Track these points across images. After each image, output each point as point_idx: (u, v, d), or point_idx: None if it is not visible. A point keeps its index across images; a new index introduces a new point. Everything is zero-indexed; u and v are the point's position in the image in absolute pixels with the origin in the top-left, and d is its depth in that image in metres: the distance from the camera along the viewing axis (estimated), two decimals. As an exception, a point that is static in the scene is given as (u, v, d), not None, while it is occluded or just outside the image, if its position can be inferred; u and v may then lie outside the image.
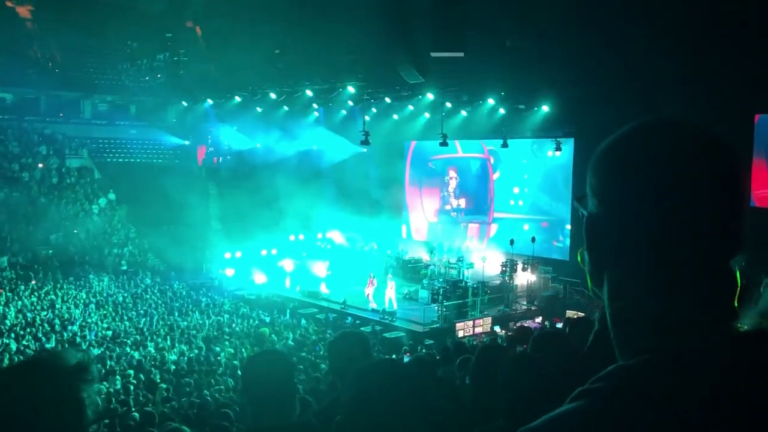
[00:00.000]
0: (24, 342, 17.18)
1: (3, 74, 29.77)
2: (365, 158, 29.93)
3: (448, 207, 31.28)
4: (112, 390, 12.13)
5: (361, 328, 17.86)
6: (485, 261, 23.31)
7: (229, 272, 26.59)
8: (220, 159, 35.17)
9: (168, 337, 18.12)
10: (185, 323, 19.86)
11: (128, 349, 16.76)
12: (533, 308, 22.27)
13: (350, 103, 26.44)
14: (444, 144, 24.65)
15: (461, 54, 14.32)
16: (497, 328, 19.90)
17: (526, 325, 18.22)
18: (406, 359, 12.24)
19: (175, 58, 24.41)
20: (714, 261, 0.91)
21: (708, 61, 15.69)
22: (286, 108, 28.54)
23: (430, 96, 23.82)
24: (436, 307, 20.52)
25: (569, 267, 23.04)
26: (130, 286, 24.81)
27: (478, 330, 19.82)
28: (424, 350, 15.54)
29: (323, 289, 23.83)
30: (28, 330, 18.33)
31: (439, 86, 22.69)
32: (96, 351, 16.07)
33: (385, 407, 1.87)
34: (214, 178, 34.36)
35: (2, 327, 18.35)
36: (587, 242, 1.00)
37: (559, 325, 14.05)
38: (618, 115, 16.88)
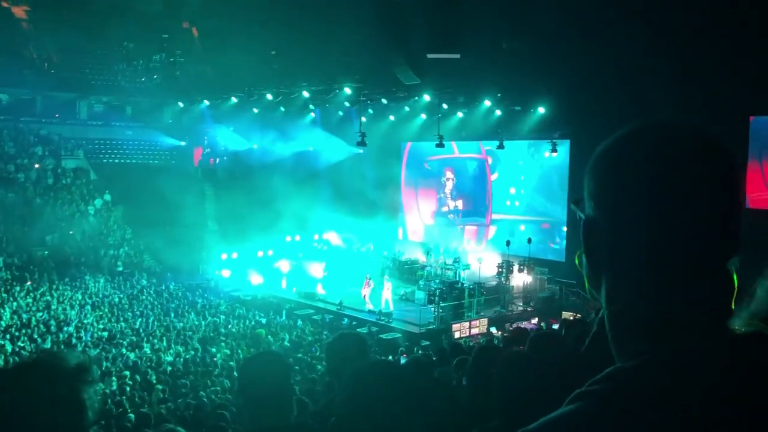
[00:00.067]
0: (20, 343, 17.14)
1: (-1, 75, 29.73)
2: (362, 159, 29.93)
3: (445, 209, 30.97)
4: (108, 391, 12.11)
5: (358, 329, 17.85)
6: (481, 262, 23.33)
7: (226, 273, 26.56)
8: (217, 160, 35.13)
9: (164, 338, 18.10)
10: (181, 324, 19.83)
11: (124, 350, 16.74)
12: (529, 309, 22.29)
13: (347, 104, 26.44)
14: (440, 145, 24.68)
15: (457, 55, 14.34)
16: (493, 329, 19.91)
17: (522, 326, 18.26)
18: (402, 360, 12.25)
19: (172, 59, 24.40)
20: (710, 263, 0.91)
21: (703, 63, 15.75)
22: (282, 109, 28.53)
23: (426, 97, 23.83)
24: (432, 308, 20.53)
25: (565, 268, 23.08)
26: (126, 287, 24.76)
27: (475, 331, 19.84)
28: (420, 351, 15.56)
29: (319, 290, 23.82)
30: (24, 331, 18.29)
31: (435, 87, 22.71)
32: (92, 352, 16.04)
33: (379, 408, 1.87)
34: (211, 179, 34.33)
35: (-3, 328, 18.31)
36: (585, 245, 1.00)
37: (555, 327, 14.09)
38: (614, 117, 16.96)
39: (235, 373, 13.06)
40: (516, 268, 22.98)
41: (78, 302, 21.89)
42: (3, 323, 18.89)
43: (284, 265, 25.90)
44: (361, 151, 26.93)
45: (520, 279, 23.20)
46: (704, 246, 0.90)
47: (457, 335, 19.05)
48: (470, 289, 21.42)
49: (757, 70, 16.14)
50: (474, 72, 19.34)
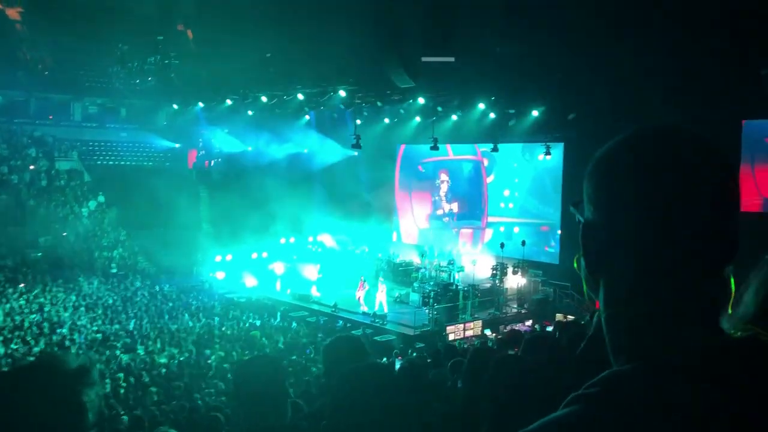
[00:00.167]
0: (12, 345, 17.07)
1: (-8, 76, 29.60)
2: (356, 162, 29.91)
3: (440, 212, 30.67)
4: (101, 393, 12.06)
5: (352, 332, 17.85)
6: (476, 264, 23.36)
7: (220, 275, 26.52)
8: (212, 162, 35.05)
9: (158, 340, 18.06)
10: (175, 326, 19.79)
11: (118, 352, 16.69)
12: (523, 311, 22.34)
13: (341, 106, 26.44)
14: (435, 148, 24.70)
15: (452, 59, 14.39)
16: (488, 332, 19.94)
17: (515, 328, 18.31)
18: (397, 363, 12.26)
19: (166, 61, 24.31)
20: (708, 268, 0.93)
21: (696, 67, 15.82)
22: (277, 111, 28.51)
23: (421, 100, 23.86)
24: (426, 311, 20.54)
25: (559, 270, 23.15)
26: (119, 289, 24.68)
27: (469, 333, 19.86)
28: (414, 353, 15.57)
29: (314, 292, 23.80)
30: (17, 333, 18.21)
31: (429, 90, 22.74)
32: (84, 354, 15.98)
33: (369, 410, 1.87)
34: (205, 181, 34.26)
35: (-10, 330, 18.22)
36: (583, 248, 1.01)
37: (550, 329, 14.11)
38: (607, 121, 17.04)
39: (230, 376, 13.04)
40: (510, 270, 23.02)
41: (71, 304, 21.81)
42: (-4, 325, 18.82)
43: (279, 267, 25.88)
44: (356, 153, 26.94)
45: (514, 281, 23.24)
46: (702, 251, 0.91)
47: (451, 337, 19.06)
48: (464, 291, 21.46)
49: (749, 73, 16.24)
50: (468, 75, 19.37)
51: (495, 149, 25.37)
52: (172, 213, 27.81)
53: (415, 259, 26.74)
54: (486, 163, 28.84)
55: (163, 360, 15.98)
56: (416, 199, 31.56)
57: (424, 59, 14.76)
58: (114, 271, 26.87)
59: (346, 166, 30.48)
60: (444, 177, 30.43)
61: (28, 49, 32.80)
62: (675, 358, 0.88)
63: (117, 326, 19.71)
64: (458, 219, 29.97)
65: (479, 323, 20.49)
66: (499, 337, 17.04)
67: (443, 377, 5.71)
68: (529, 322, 20.83)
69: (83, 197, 30.67)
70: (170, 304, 22.75)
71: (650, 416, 0.84)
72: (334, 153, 30.92)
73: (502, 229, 27.69)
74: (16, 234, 26.49)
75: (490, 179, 28.87)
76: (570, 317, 17.13)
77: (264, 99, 26.28)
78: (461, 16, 14.13)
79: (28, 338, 17.78)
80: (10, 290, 22.64)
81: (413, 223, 31.53)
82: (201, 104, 30.63)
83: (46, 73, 32.80)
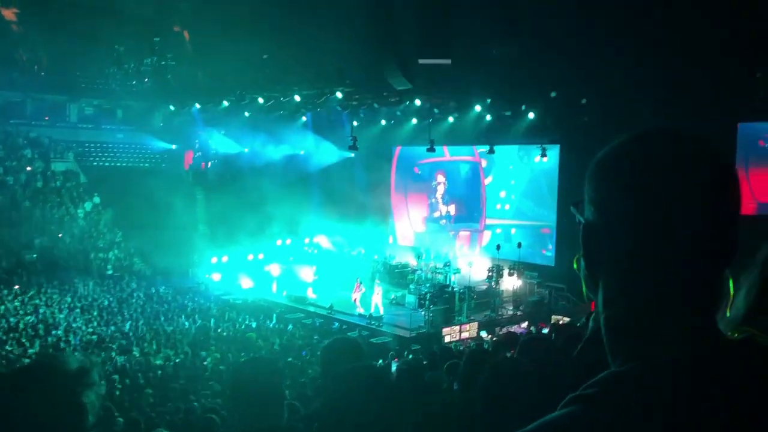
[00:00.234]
0: (7, 347, 17.01)
1: (-12, 77, 29.55)
2: (352, 163, 29.91)
3: (436, 214, 30.26)
4: (101, 394, 12.02)
5: (348, 333, 17.85)
6: (472, 266, 23.38)
7: (216, 277, 26.49)
8: (209, 164, 34.99)
9: (154, 341, 18.02)
10: (171, 328, 19.75)
11: (113, 353, 16.65)
12: (519, 313, 22.35)
13: (338, 108, 26.44)
14: (431, 150, 24.70)
15: (448, 61, 14.42)
16: (483, 333, 19.94)
17: (511, 330, 18.32)
18: (393, 365, 12.26)
19: (163, 63, 24.27)
20: (706, 270, 0.93)
21: (691, 69, 15.87)
22: (273, 113, 28.49)
23: (417, 102, 23.88)
24: (422, 312, 20.54)
25: (555, 272, 23.17)
26: (115, 290, 24.63)
27: (465, 335, 19.86)
28: (410, 355, 15.57)
29: (310, 294, 23.79)
30: (12, 335, 18.15)
31: (426, 92, 22.76)
32: (79, 355, 15.93)
33: (363, 411, 1.87)
34: (201, 182, 34.21)
35: (-15, 332, 18.16)
36: (583, 249, 1.02)
37: (545, 331, 14.13)
38: (603, 123, 17.08)
39: (226, 377, 13.03)
40: (506, 272, 23.03)
41: (67, 306, 21.75)
42: (-9, 327, 18.75)
43: (275, 269, 25.86)
44: (353, 155, 26.92)
45: (510, 283, 23.25)
46: (702, 253, 0.92)
47: (447, 339, 19.06)
48: (461, 293, 21.46)
49: (744, 76, 16.30)
50: (464, 77, 19.40)
51: (491, 151, 25.39)
52: (168, 214, 27.77)
53: (412, 261, 26.73)
54: (484, 164, 28.38)
55: (158, 362, 15.94)
56: (412, 202, 31.20)
57: (420, 61, 14.79)
58: (110, 272, 26.81)
59: (342, 168, 30.48)
60: (440, 178, 30.07)
61: (24, 50, 32.70)
62: (673, 359, 0.89)
63: (112, 328, 19.67)
64: (455, 221, 29.55)
65: (475, 325, 20.49)
66: (495, 339, 17.04)
67: (439, 379, 5.71)
68: (524, 324, 20.83)
69: (79, 198, 30.60)
70: (166, 306, 22.71)
71: (648, 417, 0.85)
72: (330, 154, 30.92)
73: (498, 230, 27.60)
74: (11, 235, 26.41)
75: (487, 181, 28.43)
76: (566, 319, 17.13)
77: (260, 100, 26.27)
78: (457, 18, 14.16)
79: (23, 340, 17.72)
80: (5, 292, 22.58)
81: (409, 225, 31.21)
82: (197, 105, 30.59)
83: (42, 74, 32.73)
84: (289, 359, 15.49)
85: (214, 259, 27.03)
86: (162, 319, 20.92)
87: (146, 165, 34.74)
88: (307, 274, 25.22)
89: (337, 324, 20.93)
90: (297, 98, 25.23)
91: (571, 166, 22.45)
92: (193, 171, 35.18)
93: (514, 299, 23.00)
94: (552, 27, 14.84)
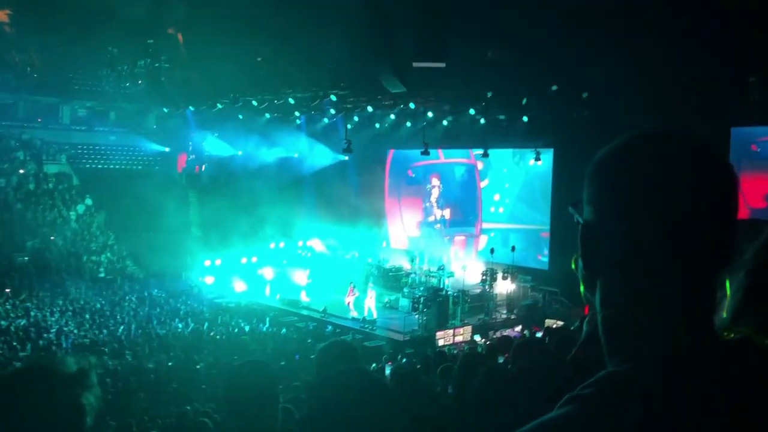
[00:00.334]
0: (-2, 350, 16.90)
1: (-20, 79, 29.41)
2: (346, 166, 29.87)
3: (431, 218, 29.76)
4: (100, 396, 11.95)
5: (341, 337, 17.82)
6: (465, 270, 23.40)
7: (209, 280, 26.41)
8: (203, 167, 34.90)
9: (146, 345, 17.94)
10: (164, 331, 19.67)
11: (106, 357, 16.56)
12: (513, 317, 22.38)
13: (332, 111, 26.46)
14: (425, 153, 24.71)
15: (443, 64, 14.43)
16: (477, 337, 19.96)
17: (506, 334, 18.34)
18: (387, 368, 12.25)
19: (156, 65, 24.22)
20: (704, 271, 0.94)
21: (684, 73, 15.95)
22: (267, 116, 28.49)
23: (411, 105, 23.92)
24: (416, 316, 20.54)
25: (548, 276, 23.22)
26: (108, 293, 24.52)
27: (459, 339, 19.86)
28: (404, 359, 15.55)
29: (303, 297, 23.75)
30: (2, 338, 18.03)
31: (420, 96, 22.80)
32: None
33: (354, 415, 1.86)
34: (195, 185, 34.12)
35: (-24, 335, 18.03)
36: (581, 249, 1.02)
37: (539, 334, 14.15)
38: (597, 128, 17.13)
39: (219, 381, 12.99)
40: (500, 275, 23.06)
41: (58, 309, 21.63)
42: (-18, 330, 18.62)
43: (268, 272, 25.81)
44: (347, 158, 26.91)
45: (504, 286, 23.28)
46: (700, 254, 0.92)
47: (441, 343, 19.07)
48: (454, 297, 21.46)
49: (737, 80, 16.40)
50: (459, 81, 19.44)
51: (485, 155, 25.42)
52: (161, 217, 27.70)
53: (405, 265, 26.71)
54: (480, 166, 27.80)
55: (151, 365, 15.87)
56: (406, 206, 30.75)
57: (415, 64, 14.80)
58: (102, 275, 26.69)
59: (336, 171, 30.45)
60: (435, 182, 29.67)
61: (16, 52, 32.56)
62: (671, 359, 0.90)
63: (105, 331, 19.57)
64: (450, 226, 29.01)
65: (469, 329, 20.50)
66: (489, 342, 17.06)
67: (433, 383, 5.71)
68: (518, 328, 20.87)
69: (71, 201, 30.47)
70: (159, 309, 22.62)
71: (645, 417, 0.86)
72: (324, 157, 30.89)
73: (492, 234, 27.49)
74: (2, 238, 26.25)
75: (484, 184, 27.96)
76: (559, 323, 17.17)
77: (254, 103, 26.25)
78: (453, 22, 14.19)
79: (14, 343, 17.60)
80: (-3, 294, 22.44)
81: (403, 230, 30.82)
82: (191, 108, 30.54)
83: (35, 75, 32.59)
84: (282, 363, 15.45)
85: (208, 262, 26.96)
86: (155, 322, 20.83)
87: (139, 167, 34.63)
88: (300, 277, 25.17)
89: (330, 327, 20.90)
90: (291, 101, 25.24)
91: (565, 169, 22.53)
92: (186, 173, 35.09)
93: (508, 303, 23.04)
94: (546, 32, 14.89)
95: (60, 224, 28.75)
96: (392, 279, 25.68)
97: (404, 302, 22.41)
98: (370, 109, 25.39)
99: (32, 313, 20.77)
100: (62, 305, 22.07)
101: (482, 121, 24.45)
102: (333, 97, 23.72)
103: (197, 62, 24.90)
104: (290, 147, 31.81)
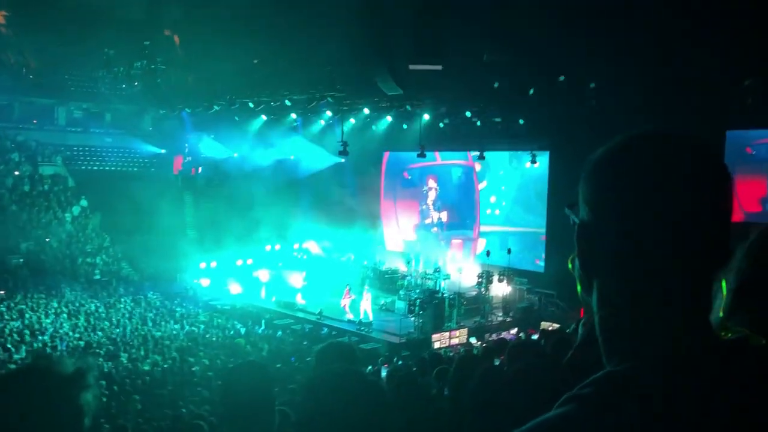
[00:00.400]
0: (-8, 352, 16.83)
1: (-25, 80, 29.33)
2: (343, 168, 29.85)
3: (428, 221, 29.47)
4: (98, 396, 11.91)
5: (337, 339, 17.80)
6: (461, 272, 23.40)
7: (204, 282, 26.35)
8: (200, 169, 34.82)
9: (141, 347, 17.89)
10: (159, 333, 19.62)
11: (101, 359, 16.50)
12: (508, 319, 22.39)
13: (329, 113, 26.47)
14: (422, 155, 24.71)
15: (439, 67, 14.46)
16: (473, 340, 19.96)
17: (502, 336, 18.36)
18: (383, 370, 12.23)
19: (153, 67, 24.21)
20: (701, 271, 0.94)
21: (679, 76, 16.01)
22: (264, 117, 28.48)
23: (408, 107, 23.94)
24: (412, 318, 20.53)
25: (544, 279, 23.24)
26: (103, 295, 24.44)
27: (455, 341, 19.87)
28: (400, 361, 15.54)
29: (299, 299, 23.71)
30: (-3, 340, 17.96)
31: (417, 98, 22.82)
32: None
33: (341, 419, 1.85)
34: (190, 187, 34.05)
35: (-30, 337, 17.95)
36: (578, 249, 1.02)
37: (535, 337, 14.16)
38: (592, 130, 17.17)
39: (214, 383, 12.96)
40: (496, 278, 23.07)
41: (53, 311, 21.55)
42: (-24, 332, 18.53)
43: (264, 275, 25.76)
44: (343, 160, 26.90)
45: (500, 289, 23.30)
46: (697, 253, 0.93)
47: (437, 345, 19.07)
48: (450, 299, 21.46)
49: (733, 84, 16.46)
50: (455, 83, 19.47)
51: (481, 157, 25.44)
52: (157, 219, 27.64)
53: (401, 267, 26.69)
54: (478, 168, 27.46)
55: (146, 368, 15.83)
56: (402, 209, 30.48)
57: (411, 67, 14.82)
58: (97, 277, 26.60)
59: (332, 173, 30.43)
60: (432, 184, 29.42)
61: (12, 53, 32.50)
62: (668, 359, 0.90)
63: (100, 333, 19.51)
64: (447, 229, 28.68)
65: (465, 331, 20.51)
66: (485, 345, 17.06)
67: (429, 385, 5.71)
68: (514, 331, 20.88)
69: (67, 203, 30.38)
70: (154, 311, 22.56)
71: (645, 416, 0.86)
72: (320, 159, 30.87)
73: (489, 238, 27.33)
74: (-3, 239, 26.15)
75: (482, 186, 27.66)
76: (555, 325, 17.18)
77: (251, 105, 26.24)
78: (449, 24, 14.22)
79: (9, 345, 17.53)
80: (-9, 296, 22.34)
81: (398, 233, 30.57)
82: (187, 110, 30.50)
83: (31, 77, 32.52)
84: (278, 365, 15.43)
85: (203, 265, 26.90)
86: (150, 324, 20.78)
87: (135, 169, 34.55)
88: (296, 279, 25.14)
89: (326, 330, 20.87)
90: (287, 103, 25.24)
91: (562, 172, 22.55)
92: (182, 175, 35.01)
93: (504, 305, 23.05)
94: (541, 34, 14.92)
95: (55, 226, 28.65)
96: (388, 281, 25.66)
97: (400, 305, 22.40)
98: (366, 111, 25.40)
99: (27, 316, 20.68)
100: (57, 307, 21.99)
101: (478, 123, 24.49)
102: (329, 99, 23.72)
103: (193, 64, 24.90)
104: (286, 149, 31.79)
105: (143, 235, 27.85)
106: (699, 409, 0.86)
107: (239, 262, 27.04)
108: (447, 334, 20.05)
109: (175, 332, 19.94)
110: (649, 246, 0.92)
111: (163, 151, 35.39)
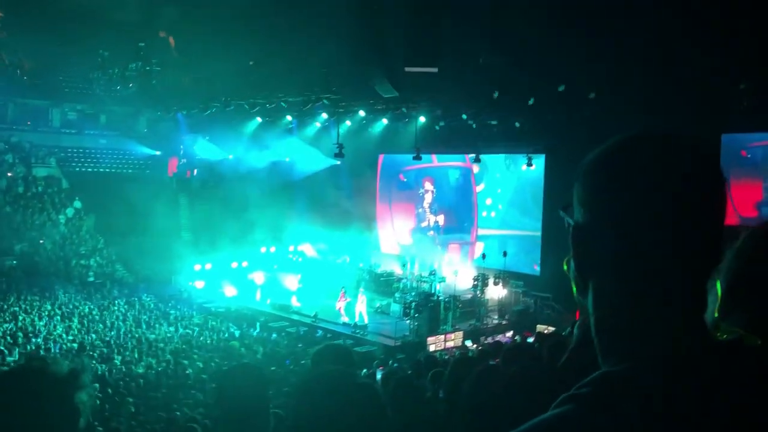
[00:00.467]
0: (-15, 354, 16.73)
1: (-31, 81, 29.24)
2: (338, 170, 29.84)
3: (424, 224, 29.10)
4: (94, 396, 11.84)
5: (334, 342, 17.75)
6: (457, 275, 23.40)
7: (199, 284, 26.28)
8: (195, 172, 34.75)
9: (135, 350, 17.82)
10: (153, 336, 19.55)
11: (94, 362, 16.43)
12: (504, 322, 22.40)
13: (324, 115, 26.47)
14: (417, 158, 24.69)
15: (435, 69, 14.47)
16: (468, 342, 19.95)
17: (497, 339, 18.36)
18: (378, 373, 12.21)
19: (148, 68, 24.19)
20: (697, 271, 0.94)
21: (676, 80, 16.06)
22: (259, 119, 28.46)
23: (404, 110, 23.96)
24: (407, 321, 20.51)
25: (540, 282, 23.26)
26: (97, 297, 24.35)
27: (450, 344, 19.85)
28: (395, 364, 15.53)
29: (294, 302, 23.67)
30: (-10, 342, 17.87)
31: (412, 100, 22.84)
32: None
33: (332, 422, 1.83)
34: (185, 189, 34.00)
35: (-37, 339, 17.86)
36: (573, 251, 1.01)
37: (530, 340, 14.17)
38: (589, 133, 17.22)
39: (208, 386, 12.92)
40: (491, 281, 23.08)
41: (47, 313, 21.46)
42: (-32, 334, 18.44)
43: (259, 277, 25.71)
44: (338, 162, 26.89)
45: (495, 292, 23.30)
46: (692, 254, 0.93)
47: (432, 348, 19.05)
48: (446, 302, 21.45)
49: (728, 87, 16.53)
50: (451, 86, 19.50)
51: (477, 160, 25.43)
52: (151, 221, 27.57)
53: (397, 270, 26.67)
54: (476, 170, 27.01)
55: (140, 370, 15.76)
56: (397, 211, 30.19)
57: (407, 69, 14.83)
58: (91, 279, 26.51)
59: (327, 175, 30.43)
60: (428, 186, 29.13)
61: (6, 54, 32.40)
62: (665, 359, 0.90)
63: (93, 336, 19.44)
64: (444, 232, 28.35)
65: (460, 334, 20.50)
66: (480, 348, 17.06)
67: (423, 388, 5.69)
68: (509, 333, 20.89)
69: (61, 204, 30.29)
70: (148, 314, 22.49)
71: (641, 416, 0.86)
72: (316, 161, 30.86)
73: (488, 241, 27.18)
74: (-9, 241, 26.07)
75: (479, 188, 27.28)
76: (551, 328, 17.19)
77: (246, 107, 26.22)
78: (445, 27, 14.23)
79: (1, 347, 17.44)
80: (-16, 298, 22.24)
81: (394, 236, 30.30)
82: (183, 111, 30.46)
83: (25, 78, 32.43)
84: (273, 368, 15.39)
85: (198, 267, 26.83)
86: (144, 326, 20.71)
87: (129, 171, 34.49)
88: (291, 282, 25.10)
89: (320, 332, 20.84)
90: (283, 105, 25.24)
91: (557, 175, 22.60)
92: (177, 178, 34.95)
93: (500, 308, 23.05)
94: (538, 38, 14.96)
95: (49, 228, 28.56)
96: (383, 284, 25.64)
97: (395, 307, 22.38)
98: (362, 113, 25.41)
99: (20, 318, 20.59)
100: (50, 309, 21.90)
101: (474, 126, 24.52)
102: (325, 101, 23.73)
103: (189, 65, 24.86)
104: (282, 151, 31.77)
105: (138, 237, 27.79)
106: (699, 409, 0.86)
107: (234, 265, 27.00)
108: (442, 337, 20.03)
109: (169, 335, 19.86)
110: (647, 246, 0.92)
111: (158, 152, 35.32)
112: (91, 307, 22.87)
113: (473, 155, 25.46)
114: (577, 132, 18.60)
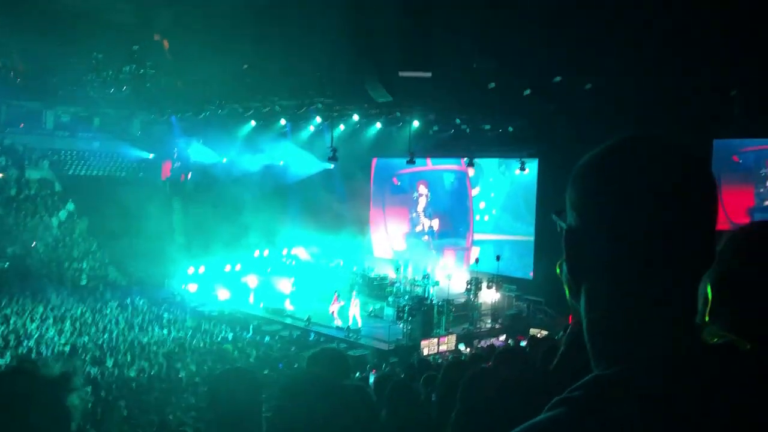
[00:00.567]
0: (-24, 358, 16.64)
1: (-38, 83, 29.09)
2: (332, 174, 29.81)
3: (418, 228, 28.84)
4: (85, 398, 11.80)
5: (329, 345, 17.73)
6: (450, 279, 23.42)
7: (192, 288, 26.20)
8: (189, 175, 34.63)
9: (128, 353, 17.75)
10: (146, 339, 19.48)
11: (87, 365, 16.36)
12: (497, 326, 22.42)
13: (318, 119, 26.46)
14: (411, 161, 24.71)
15: (429, 74, 14.49)
16: (462, 346, 19.96)
17: (490, 343, 18.38)
18: (371, 377, 12.22)
19: (142, 71, 24.11)
20: (688, 275, 0.95)
21: (668, 85, 16.14)
22: (253, 123, 28.42)
23: (398, 114, 23.98)
24: (401, 325, 20.51)
25: (533, 286, 23.30)
26: (89, 300, 24.25)
27: (443, 348, 19.86)
28: (388, 368, 15.53)
29: (287, 305, 23.63)
30: (-19, 346, 17.77)
31: (406, 105, 22.86)
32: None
33: (323, 424, 1.83)
34: (179, 192, 33.90)
35: (-46, 342, 17.75)
36: (566, 254, 1.02)
37: (523, 343, 14.20)
38: (581, 138, 17.28)
39: (201, 390, 12.88)
40: (484, 285, 23.10)
41: (39, 316, 21.35)
42: (-40, 337, 18.33)
43: (252, 280, 25.66)
44: (332, 166, 26.87)
45: (489, 296, 23.33)
46: (683, 257, 0.93)
47: (425, 352, 19.05)
48: (439, 306, 21.46)
49: (719, 93, 16.62)
50: (445, 90, 19.53)
51: (471, 164, 25.46)
52: (145, 224, 27.48)
53: (390, 273, 26.65)
54: (471, 173, 26.71)
55: (132, 374, 15.71)
56: (391, 216, 29.95)
57: (401, 74, 14.85)
58: (84, 282, 26.39)
59: (321, 179, 30.39)
60: (423, 190, 28.89)
61: (-1, 56, 32.27)
62: (656, 362, 0.90)
63: (86, 339, 19.35)
64: (439, 237, 28.04)
65: (453, 338, 20.51)
66: (473, 351, 17.07)
67: (417, 391, 5.70)
68: (502, 337, 20.90)
69: (54, 207, 30.16)
70: (141, 317, 22.41)
71: (633, 419, 0.86)
72: (309, 165, 30.83)
73: (478, 248, 27.15)
74: (-18, 244, 25.92)
75: (475, 192, 27.09)
76: (544, 332, 17.23)
77: (240, 110, 26.18)
78: (439, 32, 14.27)
79: (-7, 351, 17.37)
80: (-24, 301, 22.10)
81: (387, 241, 30.12)
82: (176, 115, 30.37)
83: (18, 80, 32.25)
84: (266, 371, 15.36)
85: (191, 270, 26.76)
86: (137, 330, 20.64)
87: (123, 174, 34.36)
88: (284, 285, 25.05)
89: (313, 336, 20.81)
90: (277, 108, 25.21)
91: (550, 179, 22.64)
92: (170, 181, 34.84)
93: (493, 312, 23.08)
94: (530, 43, 15.01)
95: (42, 230, 28.42)
96: (377, 288, 25.61)
97: (389, 311, 22.38)
98: (356, 117, 25.42)
99: (12, 321, 20.48)
100: (43, 313, 21.79)
101: (467, 130, 24.55)
102: (319, 105, 23.71)
103: (183, 68, 24.79)
104: (275, 154, 31.73)
105: (131, 240, 27.68)
106: (700, 409, 0.86)
107: (227, 268, 26.93)
108: (436, 340, 20.04)
109: (162, 338, 19.80)
110: (643, 248, 0.93)
111: (151, 155, 35.20)
112: (84, 310, 22.77)
113: (467, 159, 25.44)
114: (569, 137, 18.68)
